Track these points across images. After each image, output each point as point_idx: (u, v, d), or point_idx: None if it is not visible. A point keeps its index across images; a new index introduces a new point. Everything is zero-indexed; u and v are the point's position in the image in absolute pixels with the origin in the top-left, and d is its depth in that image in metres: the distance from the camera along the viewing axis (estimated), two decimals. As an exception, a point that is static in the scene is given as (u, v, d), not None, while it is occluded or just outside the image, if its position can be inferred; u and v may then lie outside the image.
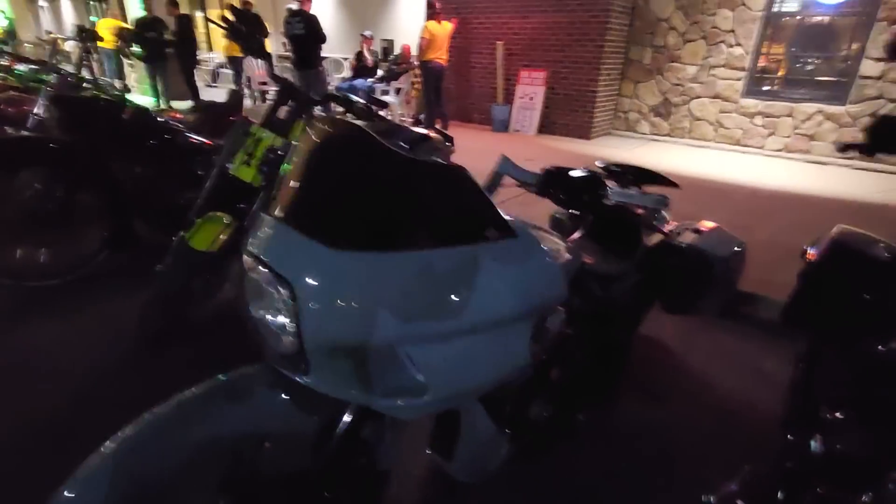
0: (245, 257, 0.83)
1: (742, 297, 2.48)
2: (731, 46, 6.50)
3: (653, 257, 1.83)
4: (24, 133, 2.86)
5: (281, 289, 0.76)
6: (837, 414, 1.27)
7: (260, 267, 0.79)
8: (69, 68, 3.49)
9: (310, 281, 0.75)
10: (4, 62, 4.21)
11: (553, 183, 1.00)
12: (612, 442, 1.69)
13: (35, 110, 2.90)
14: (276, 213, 0.82)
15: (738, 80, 6.57)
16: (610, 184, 0.98)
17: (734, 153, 6.60)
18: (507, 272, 0.88)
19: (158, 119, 2.79)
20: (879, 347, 1.29)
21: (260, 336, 0.85)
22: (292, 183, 0.84)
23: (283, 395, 0.89)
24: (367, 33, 8.59)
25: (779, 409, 1.57)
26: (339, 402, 0.91)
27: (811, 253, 1.62)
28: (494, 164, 1.09)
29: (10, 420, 1.62)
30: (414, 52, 7.71)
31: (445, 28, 6.66)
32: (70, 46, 9.68)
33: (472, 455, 1.33)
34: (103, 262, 2.66)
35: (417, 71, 7.36)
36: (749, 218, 3.74)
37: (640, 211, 1.72)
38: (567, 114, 7.21)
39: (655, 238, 1.90)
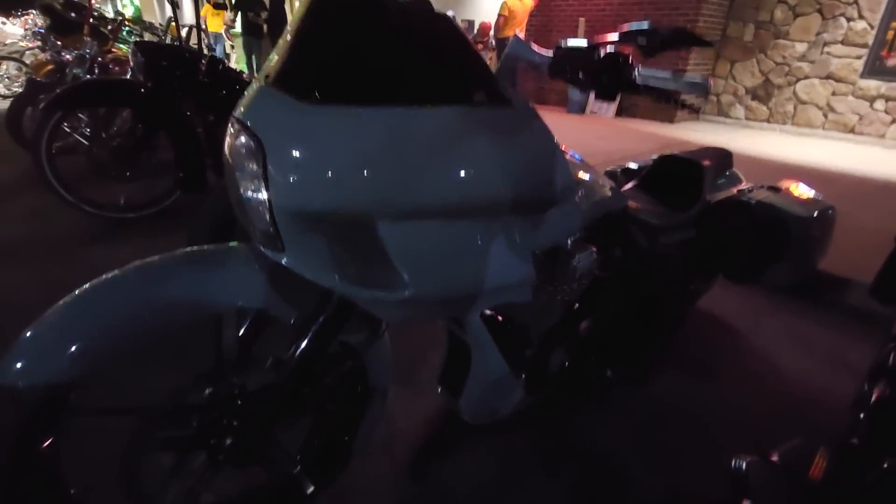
0: (229, 128, 0.80)
1: (826, 279, 2.15)
2: (853, 20, 5.68)
3: (714, 214, 1.61)
4: (112, 77, 3.13)
5: (254, 150, 0.72)
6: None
7: (239, 130, 0.75)
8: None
9: (278, 135, 0.70)
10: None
11: (567, 59, 0.88)
12: (644, 411, 1.52)
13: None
14: (265, 77, 0.78)
15: (858, 58, 5.74)
16: (635, 54, 0.84)
17: (846, 142, 5.80)
18: (497, 145, 0.78)
19: (233, 71, 2.93)
20: None
21: (243, 215, 0.82)
22: (275, 49, 0.80)
23: (263, 275, 0.86)
24: (449, 13, 8.52)
25: (849, 399, 1.33)
26: (323, 293, 0.87)
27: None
28: (507, 46, 0.98)
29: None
30: (493, 30, 7.54)
31: (525, 4, 6.43)
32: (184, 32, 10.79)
33: (481, 394, 1.24)
34: (176, 202, 2.86)
35: (494, 49, 7.20)
36: (853, 205, 3.25)
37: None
38: (650, 95, 6.71)
39: (720, 194, 1.68)
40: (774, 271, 1.62)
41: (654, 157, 1.77)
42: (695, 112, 1.02)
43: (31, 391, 0.69)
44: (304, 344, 0.86)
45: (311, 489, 1.07)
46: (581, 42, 0.90)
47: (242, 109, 0.76)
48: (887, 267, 1.35)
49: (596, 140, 4.87)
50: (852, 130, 5.92)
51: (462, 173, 0.75)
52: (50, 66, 4.37)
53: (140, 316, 0.76)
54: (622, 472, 1.30)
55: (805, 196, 1.67)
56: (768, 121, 6.53)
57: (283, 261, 0.77)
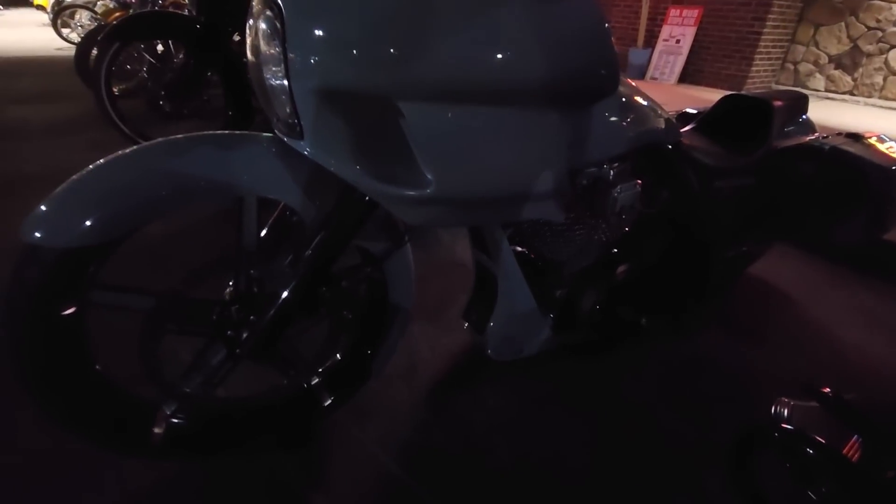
0: (252, 9, 0.77)
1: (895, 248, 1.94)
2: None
3: (780, 160, 1.46)
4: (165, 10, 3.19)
5: (274, 24, 0.68)
6: None
7: (261, 10, 0.72)
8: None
9: (298, 7, 0.66)
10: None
11: None
12: (678, 363, 1.44)
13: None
14: None
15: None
16: None
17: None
18: (536, 14, 0.70)
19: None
20: None
21: (263, 103, 0.79)
22: None
23: (283, 166, 0.83)
24: None
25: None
26: (344, 191, 0.84)
27: None
28: None
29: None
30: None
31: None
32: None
33: (507, 329, 1.20)
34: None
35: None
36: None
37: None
38: (718, 60, 6.21)
39: (790, 141, 1.52)
40: (842, 230, 1.46)
41: (719, 98, 1.62)
42: None
43: (51, 252, 0.70)
44: (321, 240, 0.84)
45: (328, 401, 1.07)
46: None
47: None
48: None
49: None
50: (951, 106, 5.29)
51: (494, 46, 0.68)
52: (118, 13, 4.57)
53: (161, 185, 0.76)
54: (648, 421, 1.24)
55: (888, 148, 1.48)
56: (852, 93, 5.93)
57: (304, 149, 0.75)
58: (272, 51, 0.70)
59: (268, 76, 0.73)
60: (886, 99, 5.69)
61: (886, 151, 1.46)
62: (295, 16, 0.66)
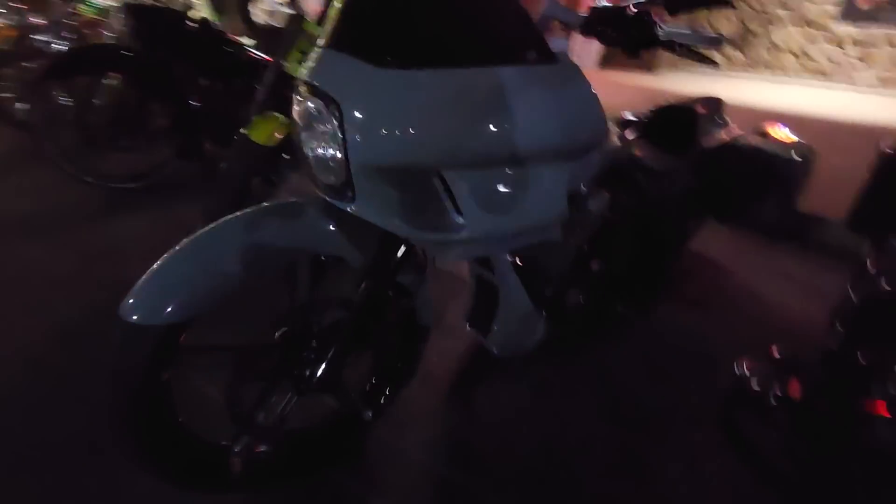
0: (299, 88, 0.88)
1: (804, 218, 2.34)
2: (829, -36, 5.75)
3: (709, 159, 1.75)
4: (102, 42, 3.05)
5: (329, 111, 0.81)
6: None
7: (310, 94, 0.84)
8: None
9: (355, 97, 0.79)
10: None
11: (600, 19, 0.97)
12: (650, 341, 1.71)
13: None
14: (327, 42, 0.86)
15: (836, 5, 5.84)
16: (661, 15, 0.94)
17: (820, 88, 5.98)
18: (547, 99, 0.88)
19: (220, 32, 2.88)
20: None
21: (311, 170, 0.91)
22: (337, 12, 0.87)
23: (333, 223, 0.96)
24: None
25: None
26: (385, 238, 0.98)
27: (886, 148, 1.50)
28: (544, 7, 1.07)
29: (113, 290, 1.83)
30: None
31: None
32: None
33: (508, 331, 1.39)
34: (176, 171, 2.88)
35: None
36: (825, 148, 3.43)
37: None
38: (631, 45, 6.73)
39: (714, 141, 1.81)
40: (761, 212, 1.78)
41: (652, 107, 1.88)
42: (714, 65, 1.13)
43: (151, 329, 0.80)
44: (370, 282, 0.98)
45: (369, 416, 1.22)
46: (612, 3, 0.99)
47: (315, 73, 0.84)
48: (861, 200, 1.52)
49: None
50: (825, 76, 6.10)
51: (517, 127, 0.85)
52: (12, 33, 4.15)
53: (236, 264, 0.86)
54: (636, 392, 1.49)
55: (789, 140, 1.82)
56: (745, 69, 6.65)
57: (352, 209, 0.88)
58: (327, 128, 0.82)
59: (319, 150, 0.85)
60: (774, 72, 6.45)
61: (789, 142, 1.79)
62: (352, 109, 0.79)
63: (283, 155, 2.16)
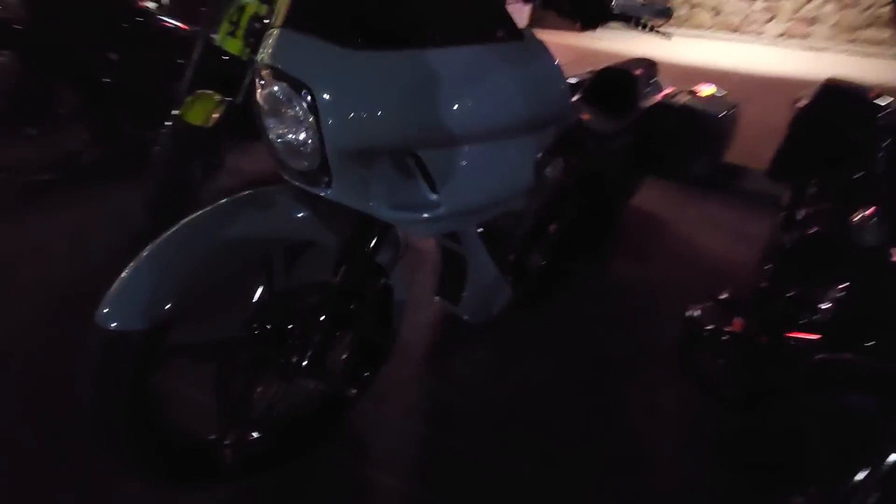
0: (260, 72, 0.85)
1: (728, 169, 2.55)
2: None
3: (646, 119, 1.86)
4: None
5: (299, 96, 0.79)
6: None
7: (275, 78, 0.81)
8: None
9: (327, 81, 0.77)
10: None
11: None
12: (605, 292, 1.83)
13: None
14: (284, 22, 0.83)
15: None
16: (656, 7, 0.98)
17: (732, 42, 6.37)
18: (516, 76, 0.91)
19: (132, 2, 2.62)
20: (857, 178, 1.38)
21: (280, 156, 0.89)
22: None
23: (306, 209, 0.95)
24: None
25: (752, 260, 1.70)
26: (360, 220, 0.98)
27: (802, 102, 1.67)
28: None
29: (32, 297, 1.69)
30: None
31: None
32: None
33: (478, 298, 1.45)
34: (98, 158, 2.64)
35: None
36: (740, 100, 3.71)
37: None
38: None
39: (650, 101, 1.92)
40: (694, 166, 1.93)
41: (589, 70, 1.95)
42: (666, 37, 1.18)
43: (132, 335, 0.77)
44: (349, 265, 0.99)
45: (353, 393, 1.24)
46: None
47: (276, 55, 0.81)
48: (779, 151, 1.69)
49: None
50: (736, 30, 6.49)
51: (490, 103, 0.87)
52: None
53: (212, 261, 0.84)
54: (597, 339, 1.61)
55: (717, 97, 1.96)
56: (667, 25, 6.92)
57: (328, 194, 0.87)
58: (297, 113, 0.80)
59: (291, 138, 0.83)
60: (692, 27, 6.77)
61: (717, 100, 1.93)
62: (325, 93, 0.77)
63: (223, 136, 2.04)
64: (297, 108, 0.80)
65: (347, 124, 0.80)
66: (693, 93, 1.95)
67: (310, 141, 0.82)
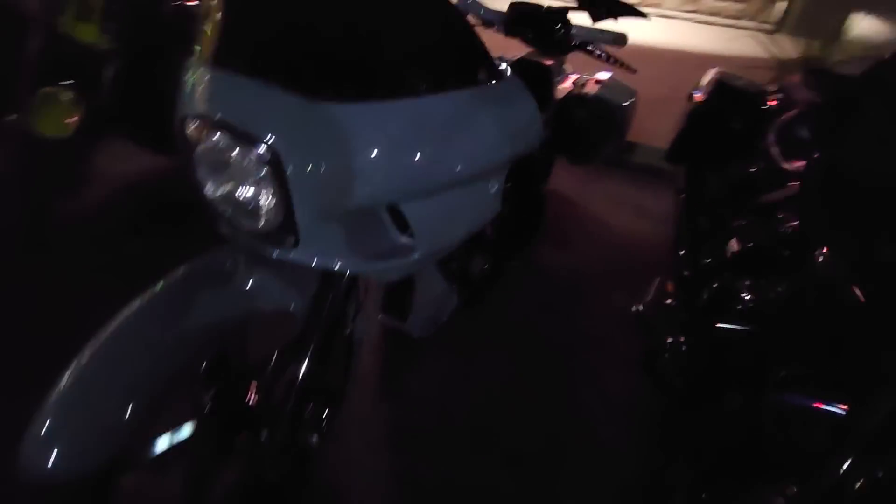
0: (191, 124, 0.68)
1: (632, 148, 2.75)
2: None
3: (562, 109, 1.90)
4: None
5: (256, 154, 0.65)
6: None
7: (221, 132, 0.66)
8: None
9: (298, 141, 0.65)
10: None
11: (522, 20, 0.94)
12: (539, 282, 1.90)
13: None
14: (222, 61, 0.67)
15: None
16: (580, 18, 0.95)
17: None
18: (497, 118, 0.85)
19: None
20: (748, 167, 1.57)
21: (224, 216, 0.74)
22: (233, 19, 0.68)
23: (261, 275, 0.82)
24: None
25: (663, 237, 1.88)
26: (325, 277, 0.87)
27: (697, 96, 1.83)
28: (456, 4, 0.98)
29: None
30: None
31: None
32: None
33: (426, 312, 1.40)
34: None
35: None
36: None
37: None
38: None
39: (561, 92, 1.96)
40: (605, 150, 2.04)
41: (499, 57, 1.92)
42: (631, 70, 1.19)
43: (83, 478, 0.61)
44: (314, 327, 0.88)
45: (316, 441, 1.15)
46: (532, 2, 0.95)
47: (220, 106, 0.65)
48: (676, 139, 1.85)
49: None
50: (641, 2, 6.85)
51: (473, 148, 0.81)
52: None
53: (162, 362, 0.69)
54: (537, 332, 1.68)
55: (619, 86, 2.07)
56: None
57: (293, 256, 0.76)
58: (256, 177, 0.67)
59: (248, 198, 0.70)
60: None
61: (619, 88, 2.04)
62: (292, 152, 0.65)
63: (85, 145, 1.68)
64: (258, 169, 0.66)
65: (320, 186, 0.69)
66: (599, 81, 2.03)
67: (273, 201, 0.69)
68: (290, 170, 0.65)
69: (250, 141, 0.64)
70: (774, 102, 1.60)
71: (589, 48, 1.03)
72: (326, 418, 1.19)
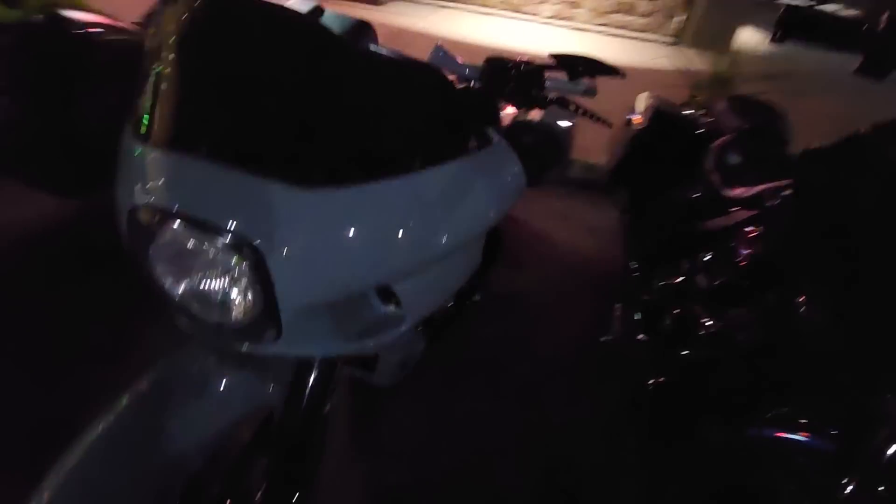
0: (145, 214, 0.58)
1: (574, 165, 2.83)
2: None
3: (509, 136, 1.91)
4: None
5: (235, 247, 0.57)
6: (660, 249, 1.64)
7: (189, 225, 0.56)
8: None
9: (278, 231, 0.57)
10: None
11: (498, 76, 0.91)
12: (500, 308, 1.89)
13: None
14: (181, 143, 0.58)
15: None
16: (556, 75, 0.94)
17: (516, 20, 6.99)
18: (489, 185, 0.82)
19: None
20: (683, 193, 1.66)
21: (189, 311, 0.64)
22: (195, 95, 0.59)
23: (232, 374, 0.72)
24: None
25: (609, 254, 1.94)
26: (302, 363, 0.79)
27: (635, 118, 1.91)
28: (430, 56, 0.92)
29: None
30: None
31: None
32: None
33: (396, 361, 1.34)
34: None
35: None
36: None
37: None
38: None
39: (507, 118, 1.97)
40: (552, 173, 2.08)
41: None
42: (607, 125, 1.19)
43: None
44: (293, 418, 0.80)
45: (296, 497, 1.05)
46: (508, 58, 0.92)
47: (184, 197, 0.56)
48: (617, 164, 1.93)
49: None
50: (518, 10, 7.12)
51: (465, 218, 0.76)
52: None
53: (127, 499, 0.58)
54: (502, 364, 1.67)
55: (560, 110, 2.11)
56: (459, 1, 7.22)
57: (273, 349, 0.68)
58: (230, 272, 0.59)
59: (216, 293, 0.61)
60: (481, 6, 7.18)
61: (562, 112, 2.08)
62: (274, 247, 0.57)
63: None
64: (236, 263, 0.58)
65: (307, 277, 0.61)
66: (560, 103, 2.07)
67: (252, 296, 0.61)
68: (272, 262, 0.58)
69: (227, 235, 0.56)
70: (705, 128, 1.71)
71: (564, 103, 1.03)
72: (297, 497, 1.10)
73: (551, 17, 7.05)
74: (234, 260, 0.57)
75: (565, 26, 6.93)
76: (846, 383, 0.77)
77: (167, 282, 0.62)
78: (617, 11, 6.79)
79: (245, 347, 0.66)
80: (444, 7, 7.15)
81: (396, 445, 1.37)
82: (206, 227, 0.56)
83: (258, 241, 0.56)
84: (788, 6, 0.75)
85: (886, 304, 0.72)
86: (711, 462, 0.97)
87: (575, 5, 6.92)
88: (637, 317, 1.40)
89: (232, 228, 0.56)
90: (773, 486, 0.88)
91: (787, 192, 0.99)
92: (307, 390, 0.80)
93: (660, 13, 6.68)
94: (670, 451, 1.09)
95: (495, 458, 1.38)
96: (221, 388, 0.71)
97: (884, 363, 0.74)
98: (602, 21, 6.89)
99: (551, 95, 0.97)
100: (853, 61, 0.79)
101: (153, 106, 0.59)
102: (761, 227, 1.10)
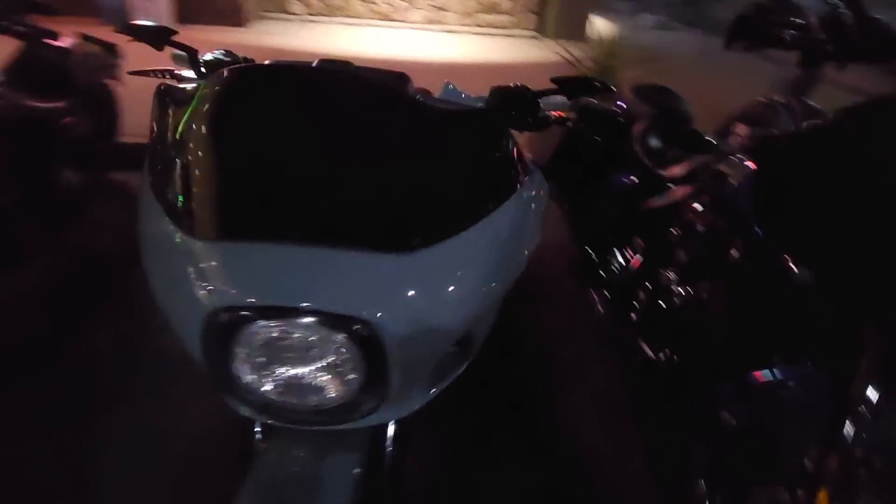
0: (226, 315, 0.52)
1: None
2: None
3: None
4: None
5: (333, 329, 0.53)
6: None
7: (280, 316, 0.52)
8: None
9: (388, 303, 0.55)
10: None
11: (504, 104, 0.91)
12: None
13: None
14: (252, 232, 0.53)
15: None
16: (555, 98, 0.97)
17: (389, 28, 7.02)
18: (537, 206, 0.84)
19: None
20: (618, 178, 1.82)
21: (277, 405, 0.59)
22: (257, 177, 0.53)
23: (314, 455, 0.67)
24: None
25: (557, 239, 2.05)
26: (377, 429, 0.76)
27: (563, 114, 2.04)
28: (440, 93, 0.89)
29: None
30: None
31: None
32: None
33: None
34: None
35: None
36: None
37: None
38: (206, -4, 6.01)
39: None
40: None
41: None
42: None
43: None
44: (381, 477, 0.76)
45: None
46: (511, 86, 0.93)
47: (304, 290, 0.52)
48: (553, 158, 2.05)
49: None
50: (388, 18, 7.16)
51: (527, 244, 0.79)
52: None
53: None
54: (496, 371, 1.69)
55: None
56: (323, 14, 7.06)
57: (373, 419, 0.66)
58: (339, 358, 0.56)
59: (317, 380, 0.57)
60: (349, 16, 7.10)
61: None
62: (393, 324, 0.54)
63: None
64: (336, 345, 0.55)
65: (414, 342, 0.60)
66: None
67: (353, 373, 0.58)
68: (385, 332, 0.55)
69: (331, 316, 0.52)
70: (623, 117, 1.88)
71: (562, 121, 1.07)
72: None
73: (421, 22, 7.20)
74: (339, 338, 0.54)
75: (436, 30, 7.12)
76: (829, 325, 0.88)
77: (251, 379, 0.56)
78: (481, 11, 7.14)
79: (346, 424, 0.62)
80: (311, 21, 6.95)
81: (426, 490, 1.34)
82: (302, 314, 0.52)
83: (366, 313, 0.53)
84: (739, 16, 0.88)
85: (859, 246, 0.83)
86: (715, 417, 1.04)
87: (441, 9, 7.14)
88: (609, 297, 1.51)
89: (336, 310, 0.52)
90: (777, 430, 0.97)
91: (738, 171, 1.11)
92: (386, 451, 0.77)
93: (520, 10, 7.15)
94: (672, 423, 1.18)
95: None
96: (322, 475, 0.65)
97: (859, 299, 0.86)
98: (469, 21, 7.21)
99: (551, 118, 1.02)
100: (708, 43, 0.92)
101: (208, 199, 0.52)
102: (714, 202, 1.23)
